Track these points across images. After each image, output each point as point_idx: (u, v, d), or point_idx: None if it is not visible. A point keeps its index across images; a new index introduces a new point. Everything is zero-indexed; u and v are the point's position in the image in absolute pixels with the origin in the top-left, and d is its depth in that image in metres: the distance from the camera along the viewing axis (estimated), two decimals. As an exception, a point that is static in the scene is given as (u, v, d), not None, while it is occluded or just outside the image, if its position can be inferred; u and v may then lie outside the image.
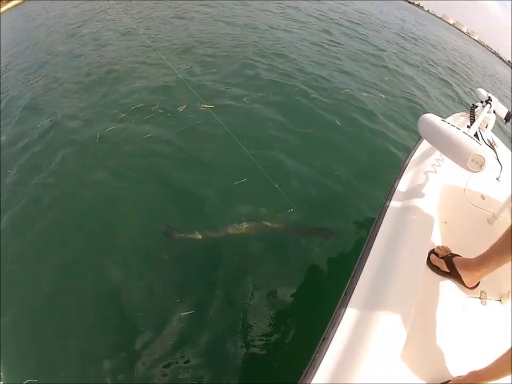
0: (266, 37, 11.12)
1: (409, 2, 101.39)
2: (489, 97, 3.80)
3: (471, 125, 2.80)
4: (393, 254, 1.92)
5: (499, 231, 2.13)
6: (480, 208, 2.78)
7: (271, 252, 3.81)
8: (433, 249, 2.24)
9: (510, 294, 2.12)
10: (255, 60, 8.89)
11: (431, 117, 2.27)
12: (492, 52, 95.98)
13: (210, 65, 8.50)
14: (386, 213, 2.24)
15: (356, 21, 18.62)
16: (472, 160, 1.96)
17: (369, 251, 1.98)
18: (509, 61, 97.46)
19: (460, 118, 3.89)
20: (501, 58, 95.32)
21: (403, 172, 2.69)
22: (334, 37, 13.18)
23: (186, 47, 9.75)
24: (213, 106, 6.20)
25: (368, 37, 15.23)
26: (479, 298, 2.10)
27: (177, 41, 10.23)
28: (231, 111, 6.32)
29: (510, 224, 1.92)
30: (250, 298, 3.32)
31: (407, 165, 2.80)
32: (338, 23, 16.42)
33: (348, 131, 6.22)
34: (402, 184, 2.53)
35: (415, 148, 3.08)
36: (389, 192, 2.49)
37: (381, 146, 6.03)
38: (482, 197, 2.87)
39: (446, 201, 2.59)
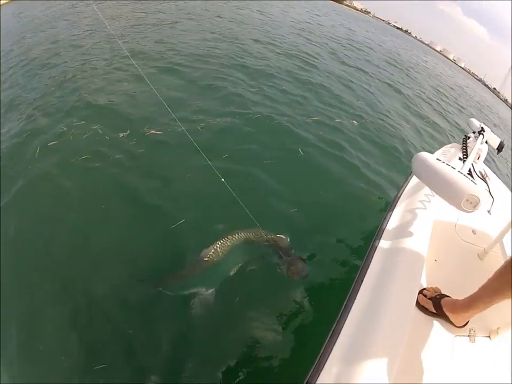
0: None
1: (397, 28, 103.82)
2: (482, 127, 3.84)
3: (463, 157, 2.97)
4: (382, 296, 1.87)
5: (489, 266, 2.27)
6: (471, 244, 2.75)
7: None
8: (422, 289, 2.20)
9: (499, 329, 2.10)
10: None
11: (425, 156, 2.19)
12: (477, 79, 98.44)
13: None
14: (375, 253, 2.21)
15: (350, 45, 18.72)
16: (467, 200, 1.92)
17: (358, 291, 1.93)
18: (494, 88, 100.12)
19: (451, 149, 3.90)
20: (486, 85, 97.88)
21: (393, 209, 2.66)
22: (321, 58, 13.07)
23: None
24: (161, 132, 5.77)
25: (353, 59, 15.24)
26: (468, 336, 2.08)
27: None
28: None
29: (502, 260, 2.04)
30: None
31: (397, 201, 2.77)
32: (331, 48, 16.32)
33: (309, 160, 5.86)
34: (392, 222, 2.50)
35: (405, 184, 3.03)
36: (378, 230, 2.45)
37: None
38: (473, 232, 2.82)
39: (436, 237, 2.53)
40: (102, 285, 3.40)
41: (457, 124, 12.54)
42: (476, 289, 1.96)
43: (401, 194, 2.86)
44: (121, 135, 5.55)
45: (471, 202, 1.92)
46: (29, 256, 3.67)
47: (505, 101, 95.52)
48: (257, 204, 4.23)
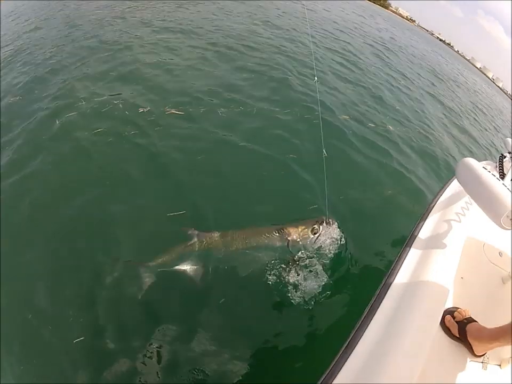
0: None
1: (440, 40, 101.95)
2: None
3: (499, 176, 2.73)
4: (406, 311, 1.83)
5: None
6: (496, 266, 2.64)
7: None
8: (450, 309, 2.15)
9: (510, 359, 2.05)
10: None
11: (471, 162, 2.17)
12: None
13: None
14: (405, 260, 2.17)
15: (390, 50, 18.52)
16: (507, 216, 1.86)
17: (381, 301, 1.90)
18: None
19: (486, 167, 3.45)
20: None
21: (426, 218, 2.58)
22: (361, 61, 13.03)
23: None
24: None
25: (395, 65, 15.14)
26: (482, 362, 2.01)
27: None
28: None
29: None
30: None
31: (431, 210, 2.68)
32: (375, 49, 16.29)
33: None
34: (424, 232, 2.43)
35: (441, 192, 2.95)
36: (409, 238, 2.38)
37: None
38: (500, 254, 2.71)
39: (465, 254, 2.41)
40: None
41: (492, 143, 12.39)
42: (496, 313, 1.96)
43: (436, 203, 2.77)
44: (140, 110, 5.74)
45: (511, 219, 1.86)
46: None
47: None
48: (288, 197, 4.43)
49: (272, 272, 3.25)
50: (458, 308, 2.15)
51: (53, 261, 3.42)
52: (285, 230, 3.33)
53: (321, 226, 3.38)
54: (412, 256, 2.20)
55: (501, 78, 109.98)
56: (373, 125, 7.37)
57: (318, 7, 23.61)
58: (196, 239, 3.33)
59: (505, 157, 3.50)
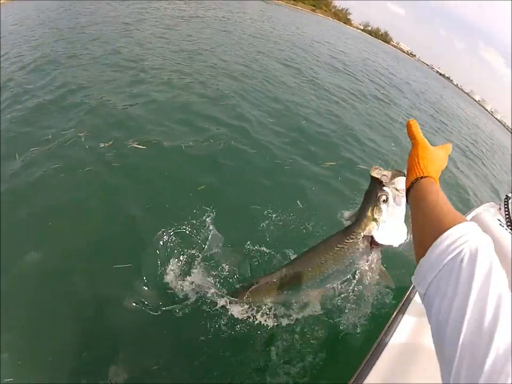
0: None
1: (440, 74, 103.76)
2: None
3: (506, 222, 2.66)
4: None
5: None
6: None
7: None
8: None
9: None
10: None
11: (486, 218, 2.11)
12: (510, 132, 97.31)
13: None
14: (397, 328, 2.05)
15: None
16: None
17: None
18: None
19: (490, 210, 3.34)
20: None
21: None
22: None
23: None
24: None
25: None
26: None
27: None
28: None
29: None
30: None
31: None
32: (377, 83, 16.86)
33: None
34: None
35: None
36: (403, 301, 2.25)
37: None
38: None
39: None
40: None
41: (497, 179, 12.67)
42: None
43: None
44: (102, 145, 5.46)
45: None
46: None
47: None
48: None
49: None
50: None
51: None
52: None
53: None
54: (405, 323, 2.08)
55: (499, 110, 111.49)
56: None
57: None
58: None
59: (510, 198, 3.25)
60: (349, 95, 12.77)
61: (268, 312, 2.99)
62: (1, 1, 20.25)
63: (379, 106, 13.15)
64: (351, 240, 2.08)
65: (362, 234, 2.04)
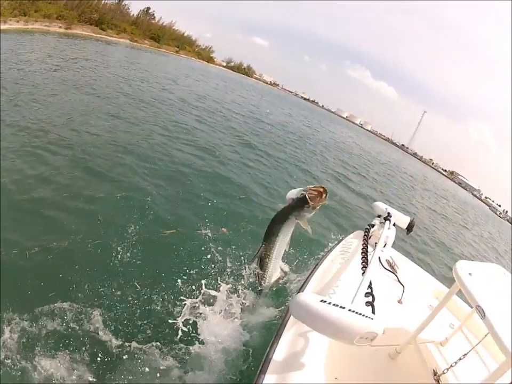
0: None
1: (305, 99, 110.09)
2: (388, 213, 3.72)
3: (362, 262, 2.83)
4: None
5: (403, 367, 2.42)
6: (380, 346, 2.53)
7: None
8: None
9: None
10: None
11: (307, 299, 1.97)
12: (385, 139, 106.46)
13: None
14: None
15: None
16: (361, 337, 1.88)
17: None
18: (402, 145, 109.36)
19: (352, 242, 3.83)
20: (394, 143, 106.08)
21: (279, 338, 2.37)
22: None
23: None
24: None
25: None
26: None
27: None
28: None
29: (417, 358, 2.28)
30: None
31: (282, 331, 2.46)
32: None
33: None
34: (279, 352, 2.23)
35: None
36: (263, 362, 2.19)
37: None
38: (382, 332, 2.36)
39: (334, 354, 2.33)
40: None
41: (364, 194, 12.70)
42: None
43: (286, 324, 2.51)
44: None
45: (366, 338, 1.89)
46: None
47: (414, 154, 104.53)
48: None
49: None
50: None
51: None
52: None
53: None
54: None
55: (369, 122, 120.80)
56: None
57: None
58: None
59: (373, 225, 3.67)
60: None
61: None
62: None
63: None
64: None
65: None
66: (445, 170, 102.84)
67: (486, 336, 2.51)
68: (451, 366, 2.33)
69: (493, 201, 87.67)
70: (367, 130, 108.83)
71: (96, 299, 3.75)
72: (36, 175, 6.05)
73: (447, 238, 14.44)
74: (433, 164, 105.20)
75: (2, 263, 3.82)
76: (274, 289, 4.17)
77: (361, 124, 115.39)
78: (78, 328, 3.39)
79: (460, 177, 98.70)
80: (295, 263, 5.05)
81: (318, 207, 3.15)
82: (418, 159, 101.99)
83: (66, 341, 3.25)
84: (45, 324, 3.32)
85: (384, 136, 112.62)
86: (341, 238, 3.98)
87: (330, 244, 4.56)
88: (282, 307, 4.00)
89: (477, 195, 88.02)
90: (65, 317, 3.45)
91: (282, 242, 3.42)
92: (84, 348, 3.23)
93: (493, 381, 1.88)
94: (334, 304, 1.89)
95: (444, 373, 2.32)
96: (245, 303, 3.90)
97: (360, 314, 1.89)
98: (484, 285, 2.26)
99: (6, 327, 3.19)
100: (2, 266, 3.76)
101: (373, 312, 2.15)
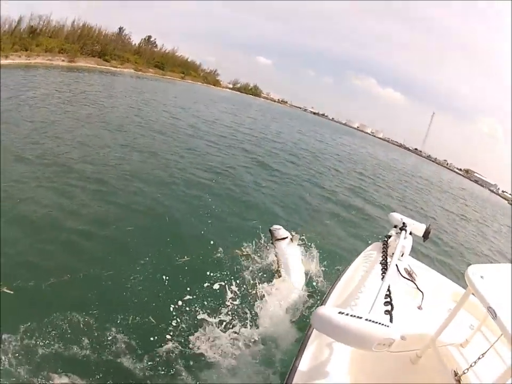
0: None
1: (314, 113, 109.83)
2: (403, 223, 3.80)
3: (382, 271, 3.02)
4: None
5: (424, 370, 2.48)
6: (400, 352, 2.57)
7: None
8: None
9: None
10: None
11: (326, 312, 2.08)
12: (397, 145, 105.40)
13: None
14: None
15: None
16: (378, 344, 1.95)
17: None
18: (416, 149, 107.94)
19: (372, 253, 3.85)
20: (407, 148, 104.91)
21: (304, 350, 2.49)
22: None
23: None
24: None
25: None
26: None
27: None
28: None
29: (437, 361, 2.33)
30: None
31: (307, 343, 2.56)
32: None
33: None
34: (304, 362, 2.35)
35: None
36: (290, 372, 2.32)
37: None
38: (403, 338, 2.30)
39: (357, 362, 2.43)
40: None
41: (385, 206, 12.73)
42: None
43: (310, 336, 2.61)
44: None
45: (384, 344, 1.95)
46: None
47: (428, 157, 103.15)
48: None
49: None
50: None
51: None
52: None
53: None
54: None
55: (380, 130, 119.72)
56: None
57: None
58: None
59: (390, 236, 3.79)
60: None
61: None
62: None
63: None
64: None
65: None
66: (460, 170, 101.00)
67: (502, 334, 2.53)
68: (471, 365, 2.39)
69: (510, 194, 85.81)
70: (379, 138, 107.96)
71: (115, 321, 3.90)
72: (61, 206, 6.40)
73: (466, 237, 14.42)
74: (447, 164, 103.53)
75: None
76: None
77: (373, 133, 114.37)
78: (97, 354, 3.52)
79: (475, 174, 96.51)
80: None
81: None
82: (433, 161, 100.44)
83: (88, 368, 3.39)
84: (63, 347, 3.47)
85: (396, 142, 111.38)
86: (360, 251, 4.05)
87: (350, 257, 4.51)
88: (307, 320, 4.01)
89: (494, 190, 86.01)
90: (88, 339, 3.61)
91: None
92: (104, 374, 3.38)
93: (503, 381, 1.98)
94: (351, 315, 1.99)
95: (464, 373, 2.38)
96: (272, 318, 4.09)
97: (376, 322, 1.98)
98: (495, 286, 2.33)
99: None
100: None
101: (391, 319, 2.27)
